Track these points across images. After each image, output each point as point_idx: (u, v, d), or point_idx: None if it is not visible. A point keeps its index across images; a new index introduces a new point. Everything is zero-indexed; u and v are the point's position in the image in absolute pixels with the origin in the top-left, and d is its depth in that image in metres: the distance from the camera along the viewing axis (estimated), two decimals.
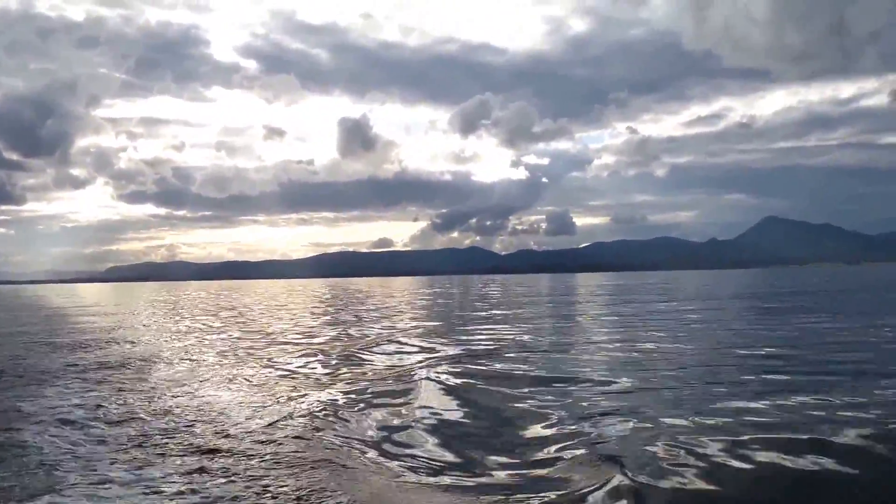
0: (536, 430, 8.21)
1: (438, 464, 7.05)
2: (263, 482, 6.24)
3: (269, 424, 8.74)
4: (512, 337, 19.70)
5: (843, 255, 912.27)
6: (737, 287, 56.13)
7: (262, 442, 7.76)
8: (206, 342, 20.54)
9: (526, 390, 10.80)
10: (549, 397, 10.21)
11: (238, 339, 21.35)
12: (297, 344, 19.22)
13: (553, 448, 7.45)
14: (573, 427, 8.26)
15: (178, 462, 6.93)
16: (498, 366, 13.71)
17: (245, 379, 13.04)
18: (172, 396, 11.05)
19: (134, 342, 20.50)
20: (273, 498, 5.77)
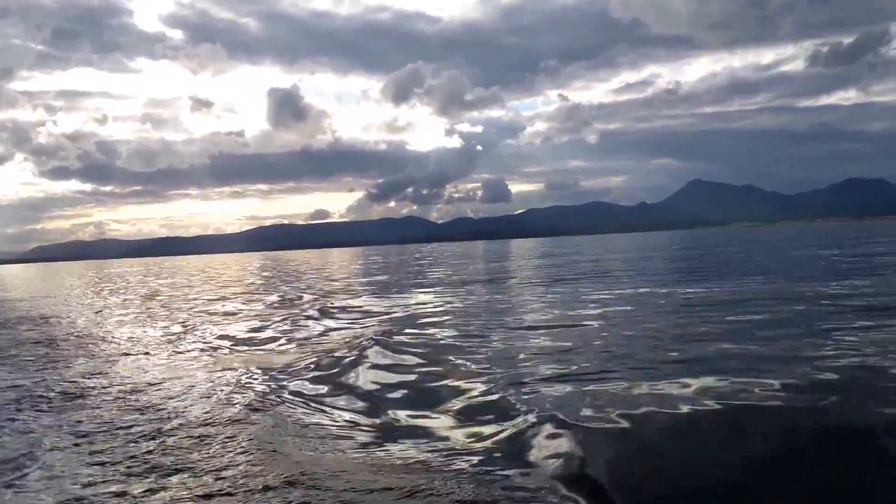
0: (473, 394, 8.16)
1: (373, 432, 7.02)
2: (203, 459, 6.10)
3: (201, 398, 8.72)
4: (447, 302, 19.64)
5: (763, 214, 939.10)
6: (645, 250, 58.43)
7: (198, 419, 7.55)
8: (133, 320, 19.96)
9: (463, 355, 10.66)
10: (485, 362, 10.04)
11: (172, 314, 20.81)
12: (234, 316, 19.14)
13: (488, 410, 7.44)
14: (508, 390, 8.05)
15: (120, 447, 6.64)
16: (434, 331, 13.48)
17: (179, 353, 12.72)
18: (91, 375, 10.70)
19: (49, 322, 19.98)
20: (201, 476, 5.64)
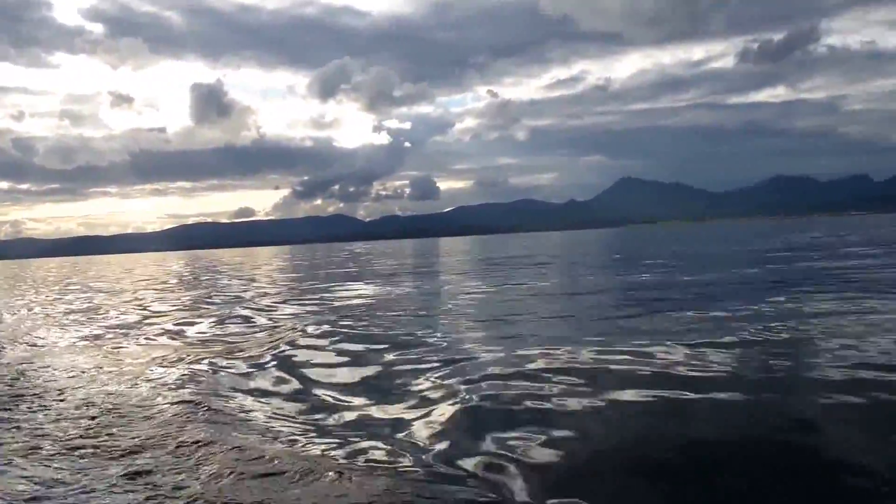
0: (404, 385, 8.31)
1: (300, 426, 6.92)
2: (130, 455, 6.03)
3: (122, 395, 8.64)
4: (373, 296, 20.36)
5: (693, 212, 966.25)
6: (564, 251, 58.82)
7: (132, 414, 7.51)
8: (52, 320, 19.51)
9: (392, 346, 10.96)
10: (422, 352, 10.37)
11: (91, 316, 20.15)
12: (159, 316, 18.81)
13: (422, 402, 7.50)
14: (443, 381, 8.32)
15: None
16: (360, 325, 13.91)
17: (108, 355, 12.24)
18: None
19: None
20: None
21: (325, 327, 13.57)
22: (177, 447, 6.19)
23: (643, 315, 13.02)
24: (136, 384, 9.22)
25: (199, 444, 6.22)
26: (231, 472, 5.42)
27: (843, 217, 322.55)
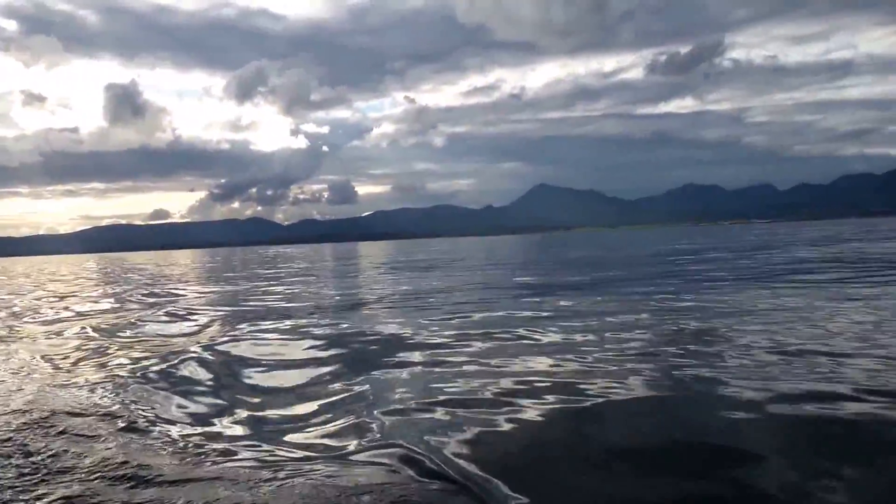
0: (313, 398, 7.53)
1: (202, 441, 6.17)
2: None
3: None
4: (288, 300, 19.95)
5: (606, 219, 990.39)
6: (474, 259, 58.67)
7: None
8: None
9: (309, 350, 10.45)
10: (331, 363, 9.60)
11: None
12: (62, 322, 17.10)
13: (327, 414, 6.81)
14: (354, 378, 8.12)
15: None
16: (284, 325, 13.45)
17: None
18: None
19: None
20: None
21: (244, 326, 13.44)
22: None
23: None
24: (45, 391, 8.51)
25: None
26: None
27: (749, 225, 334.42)
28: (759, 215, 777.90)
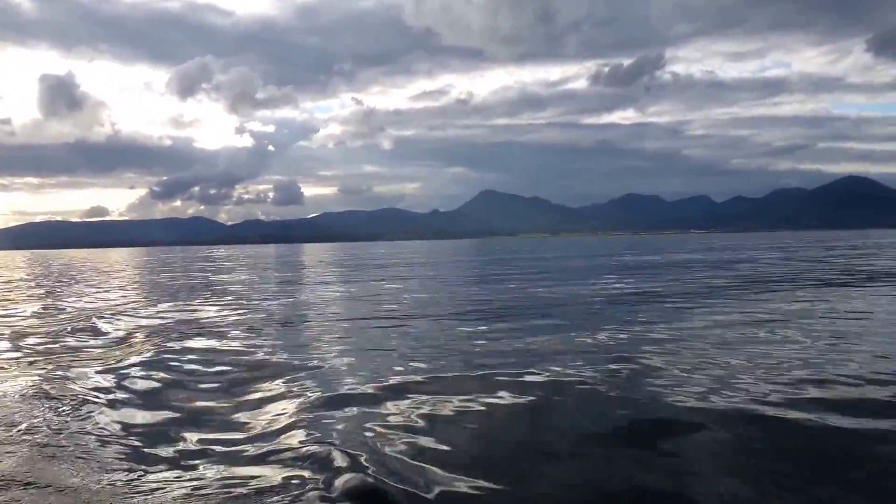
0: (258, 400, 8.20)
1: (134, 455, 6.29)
2: None
3: None
4: (228, 306, 20.05)
5: (550, 226, 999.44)
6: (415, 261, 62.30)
7: None
8: None
9: (254, 351, 11.46)
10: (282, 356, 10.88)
11: None
12: None
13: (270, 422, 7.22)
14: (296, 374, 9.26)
15: None
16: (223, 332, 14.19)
17: None
18: None
19: None
20: None
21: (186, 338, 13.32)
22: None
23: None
24: None
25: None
26: None
27: (687, 234, 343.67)
28: (697, 226, 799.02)
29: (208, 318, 16.88)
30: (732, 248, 64.60)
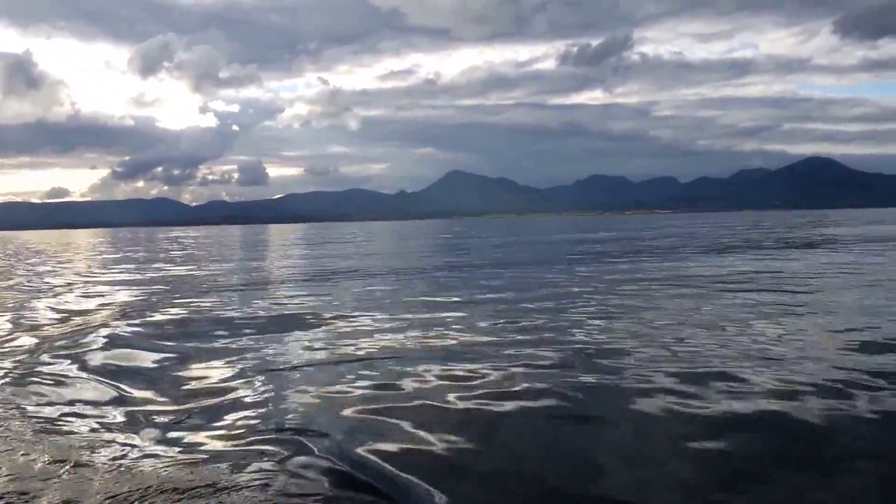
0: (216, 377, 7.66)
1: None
2: None
3: None
4: (193, 278, 20.60)
5: (517, 207, 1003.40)
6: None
7: None
8: None
9: (219, 335, 10.49)
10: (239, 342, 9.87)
11: None
12: None
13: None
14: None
15: None
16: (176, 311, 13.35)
17: None
18: None
19: None
20: None
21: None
22: None
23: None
24: None
25: None
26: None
27: (652, 215, 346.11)
28: (662, 206, 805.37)
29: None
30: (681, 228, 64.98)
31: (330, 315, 11.69)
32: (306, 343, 9.36)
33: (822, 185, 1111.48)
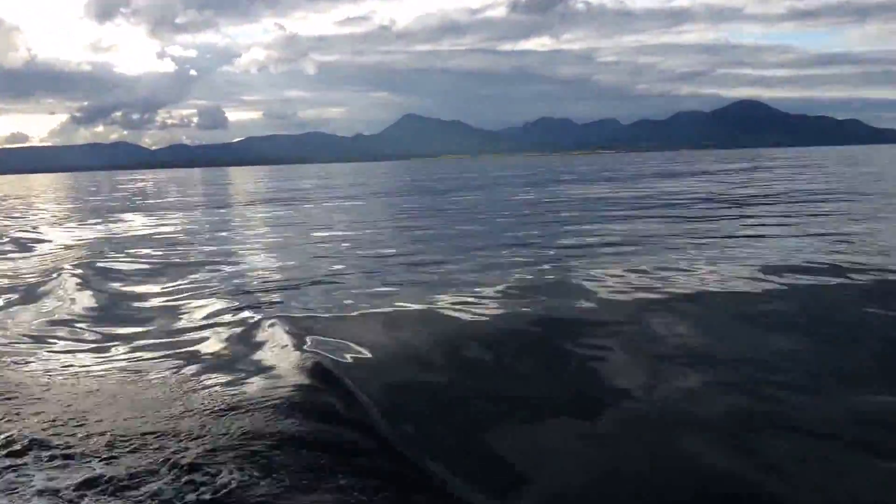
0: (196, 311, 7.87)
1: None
2: None
3: None
4: (156, 225, 20.07)
5: (469, 148, 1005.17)
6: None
7: None
8: None
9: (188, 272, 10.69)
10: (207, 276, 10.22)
11: None
12: None
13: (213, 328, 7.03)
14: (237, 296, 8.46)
15: None
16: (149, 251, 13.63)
17: None
18: None
19: None
20: None
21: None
22: None
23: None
24: None
25: None
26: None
27: (595, 155, 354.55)
28: (605, 147, 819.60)
29: None
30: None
31: None
32: None
33: (753, 125, 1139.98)
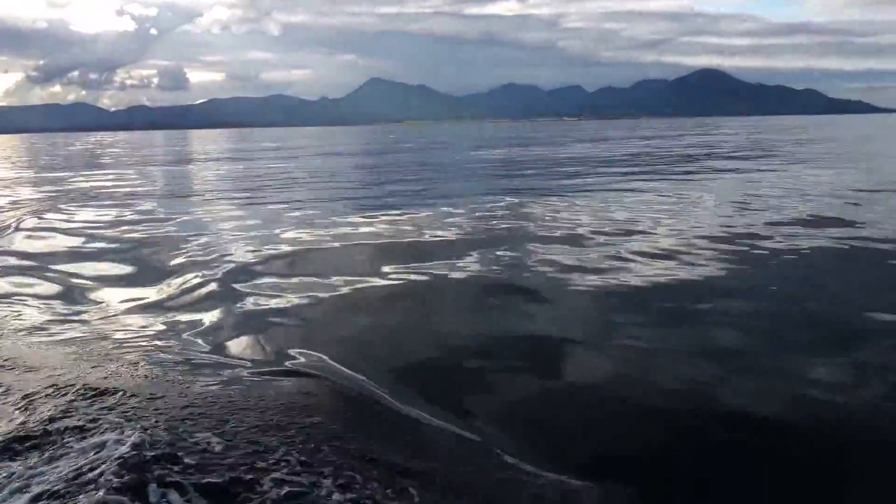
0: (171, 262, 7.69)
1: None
2: None
3: None
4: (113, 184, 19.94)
5: (435, 113, 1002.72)
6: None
7: None
8: None
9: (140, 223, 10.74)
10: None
11: None
12: None
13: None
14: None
15: None
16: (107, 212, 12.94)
17: None
18: None
19: None
20: None
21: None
22: None
23: None
24: None
25: None
26: None
27: (561, 122, 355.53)
28: (569, 114, 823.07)
29: None
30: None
31: None
32: None
33: (713, 94, 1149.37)
